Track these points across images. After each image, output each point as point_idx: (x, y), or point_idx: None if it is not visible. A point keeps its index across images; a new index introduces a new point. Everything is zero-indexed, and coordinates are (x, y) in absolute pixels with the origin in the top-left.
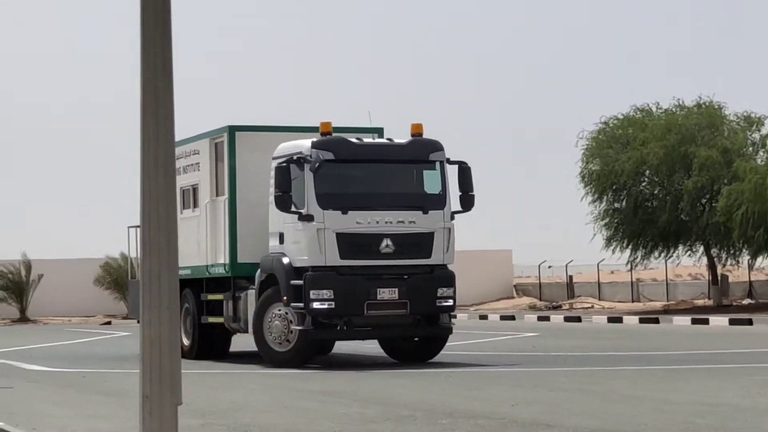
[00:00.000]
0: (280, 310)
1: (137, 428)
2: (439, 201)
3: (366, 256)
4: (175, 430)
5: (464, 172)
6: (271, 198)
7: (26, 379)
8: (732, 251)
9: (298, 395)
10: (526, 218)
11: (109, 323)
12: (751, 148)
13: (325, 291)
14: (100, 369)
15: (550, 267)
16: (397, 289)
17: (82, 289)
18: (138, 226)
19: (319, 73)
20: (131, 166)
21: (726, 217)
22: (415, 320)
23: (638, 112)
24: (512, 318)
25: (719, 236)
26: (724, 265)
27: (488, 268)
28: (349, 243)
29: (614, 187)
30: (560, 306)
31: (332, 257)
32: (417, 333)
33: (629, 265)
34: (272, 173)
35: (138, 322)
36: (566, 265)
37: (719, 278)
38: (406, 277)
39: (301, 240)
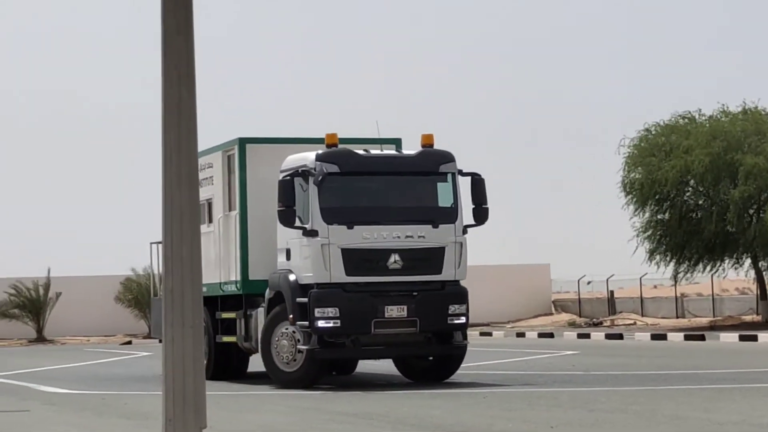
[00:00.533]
0: (287, 329)
1: None
2: (450, 214)
3: (373, 272)
4: None
5: (477, 184)
6: (276, 213)
7: (43, 402)
8: None
9: (329, 417)
10: (565, 231)
11: (129, 343)
12: None
13: (330, 309)
14: (120, 391)
15: (589, 282)
16: (406, 307)
17: (101, 307)
18: (161, 242)
19: (336, 83)
20: (154, 179)
21: None
22: (426, 338)
23: (681, 119)
24: (551, 335)
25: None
26: None
27: (525, 284)
28: (355, 259)
29: (657, 197)
30: (601, 323)
31: (337, 274)
32: (428, 352)
33: (673, 280)
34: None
35: (160, 341)
36: (607, 280)
37: None
38: (415, 294)
39: (306, 256)
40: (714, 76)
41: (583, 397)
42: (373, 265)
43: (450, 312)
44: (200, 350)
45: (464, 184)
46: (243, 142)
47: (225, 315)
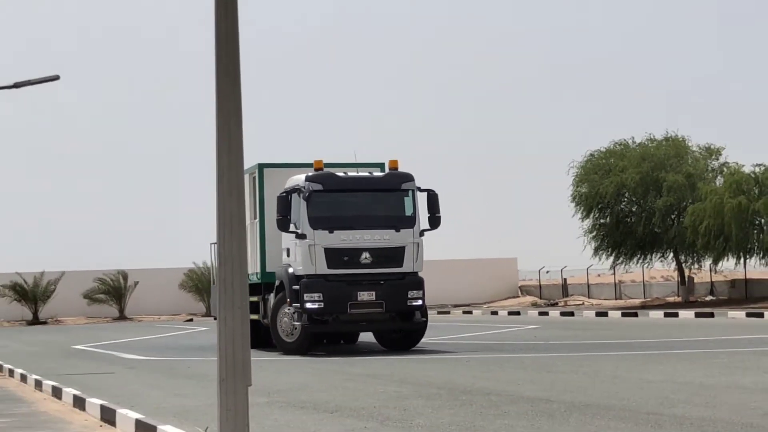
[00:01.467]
0: (287, 310)
1: (216, 405)
2: (409, 221)
3: (349, 266)
4: (246, 406)
5: (432, 198)
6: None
7: (125, 366)
8: (696, 257)
9: (346, 377)
10: (528, 232)
11: (191, 320)
12: (710, 174)
13: (315, 294)
14: (184, 357)
15: (548, 272)
16: (374, 292)
17: (169, 292)
18: (215, 243)
19: (332, 115)
20: (210, 192)
21: (691, 229)
22: (391, 317)
23: (617, 145)
24: (518, 313)
25: (685, 245)
26: (690, 269)
27: (498, 273)
28: (334, 256)
29: (599, 206)
30: (557, 303)
31: (321, 267)
32: (393, 327)
33: (613, 270)
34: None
35: (215, 318)
36: (561, 270)
37: (686, 279)
38: (382, 282)
39: (298, 254)
40: (642, 109)
41: (544, 362)
42: (349, 260)
43: (409, 296)
44: (247, 326)
45: (441, 197)
46: (261, 167)
47: (251, 299)
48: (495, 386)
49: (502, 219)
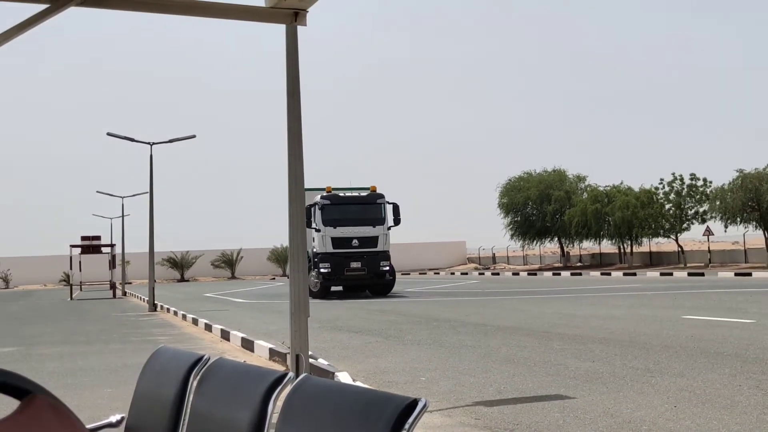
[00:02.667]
0: (313, 273)
1: (288, 329)
2: (381, 221)
3: (345, 247)
4: (306, 329)
5: (395, 207)
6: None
7: (235, 306)
8: (571, 240)
9: (366, 312)
10: (474, 224)
11: (273, 279)
12: (580, 191)
13: (326, 264)
14: (270, 300)
15: (484, 249)
16: (360, 262)
17: (262, 262)
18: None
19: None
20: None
21: (568, 224)
22: (371, 277)
23: (525, 174)
24: (466, 273)
25: (565, 233)
26: (567, 247)
27: (454, 250)
28: (337, 241)
29: (515, 210)
30: (489, 268)
31: (329, 248)
32: (373, 283)
33: (522, 248)
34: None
35: (288, 277)
36: (492, 248)
37: (565, 253)
38: (365, 257)
39: (317, 240)
40: (539, 149)
41: (481, 302)
42: (346, 244)
43: (381, 265)
44: (306, 280)
45: (410, 204)
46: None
47: None
48: (453, 316)
49: (458, 216)
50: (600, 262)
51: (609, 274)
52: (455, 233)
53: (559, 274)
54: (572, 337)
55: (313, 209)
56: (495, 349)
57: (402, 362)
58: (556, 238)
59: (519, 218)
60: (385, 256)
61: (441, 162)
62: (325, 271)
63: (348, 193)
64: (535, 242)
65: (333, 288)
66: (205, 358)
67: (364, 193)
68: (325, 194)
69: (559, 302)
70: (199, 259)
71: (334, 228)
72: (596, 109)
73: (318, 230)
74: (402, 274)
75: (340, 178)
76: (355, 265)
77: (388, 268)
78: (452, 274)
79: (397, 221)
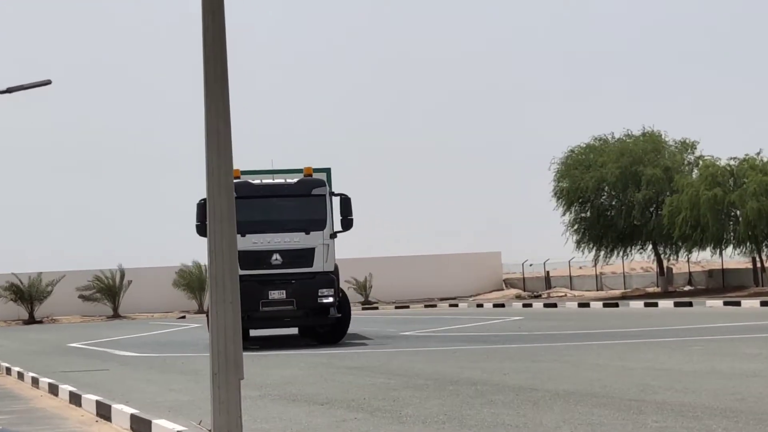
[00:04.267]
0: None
1: (209, 399)
2: (319, 224)
3: (260, 266)
4: (239, 399)
5: (345, 201)
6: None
7: (119, 363)
8: (674, 248)
9: (336, 371)
10: (513, 227)
11: (183, 317)
12: (687, 167)
13: None
14: (178, 353)
15: (531, 265)
16: (285, 291)
17: (162, 290)
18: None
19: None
20: (201, 191)
21: (669, 221)
22: (304, 313)
23: (597, 141)
24: (502, 305)
25: (664, 237)
26: (668, 260)
27: (483, 267)
28: (246, 258)
29: (580, 201)
30: (540, 295)
31: None
32: (306, 323)
33: (594, 262)
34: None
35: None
36: (544, 263)
37: (665, 270)
38: (293, 281)
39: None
40: (620, 106)
41: (528, 352)
42: (260, 262)
43: (320, 294)
44: (238, 320)
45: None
46: None
47: None
48: (481, 376)
49: (487, 214)
50: (723, 284)
51: (738, 303)
52: (484, 242)
53: (656, 305)
54: (678, 408)
55: (206, 207)
56: (551, 429)
57: None
58: (651, 246)
59: (588, 213)
60: (327, 280)
61: (460, 133)
62: None
63: (267, 180)
64: (615, 253)
65: (252, 332)
66: None
67: (292, 180)
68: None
69: (655, 351)
70: (58, 285)
71: (243, 236)
72: (707, 37)
73: None
74: (396, 308)
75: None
76: (276, 295)
77: (331, 299)
78: (479, 306)
79: (347, 223)
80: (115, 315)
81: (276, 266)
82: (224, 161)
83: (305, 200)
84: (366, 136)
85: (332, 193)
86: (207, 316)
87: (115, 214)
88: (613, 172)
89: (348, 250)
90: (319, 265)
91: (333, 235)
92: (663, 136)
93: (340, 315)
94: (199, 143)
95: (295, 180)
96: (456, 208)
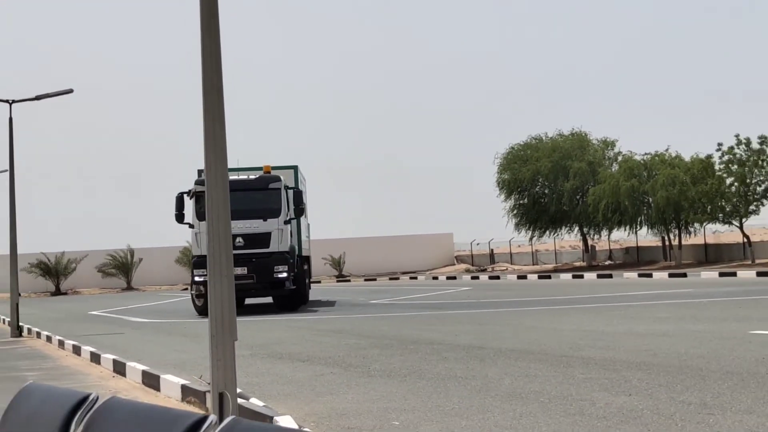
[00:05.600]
0: (195, 280)
1: (208, 358)
2: (274, 213)
3: None
4: (233, 358)
5: (297, 194)
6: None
7: (132, 328)
8: (597, 229)
9: (315, 333)
10: (463, 212)
11: (186, 289)
12: (607, 161)
13: (203, 270)
14: (181, 319)
15: (478, 244)
16: (246, 268)
17: (168, 266)
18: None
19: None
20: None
21: (593, 207)
22: (264, 286)
23: (533, 139)
24: (454, 278)
25: (588, 219)
26: (592, 239)
27: (438, 246)
28: None
29: (519, 190)
30: (485, 269)
31: (205, 249)
32: (265, 294)
33: (530, 241)
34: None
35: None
36: (489, 242)
37: (590, 247)
38: (253, 260)
39: (191, 240)
40: (553, 110)
41: (476, 317)
42: None
43: (275, 270)
44: (232, 290)
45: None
46: (200, 172)
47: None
48: (437, 337)
49: (442, 201)
50: (637, 259)
51: (650, 275)
52: (438, 224)
53: (582, 277)
54: (601, 362)
55: (185, 198)
56: (495, 380)
57: (367, 401)
58: (577, 228)
59: (526, 200)
60: (281, 258)
61: (416, 127)
62: (201, 279)
63: (233, 176)
64: (548, 233)
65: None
66: (91, 397)
67: (253, 176)
68: (199, 178)
69: (582, 315)
70: (81, 263)
71: None
72: (625, 48)
73: (191, 226)
74: (365, 280)
75: (275, 155)
76: (239, 271)
77: (285, 274)
78: (435, 278)
79: (299, 211)
80: (129, 287)
81: (239, 247)
82: (220, 159)
83: (263, 193)
84: (340, 137)
85: (287, 187)
86: (191, 290)
87: (128, 204)
88: (546, 165)
89: (326, 232)
90: (275, 246)
91: (287, 222)
92: (588, 135)
93: (295, 287)
94: (198, 145)
95: (256, 176)
96: (416, 197)
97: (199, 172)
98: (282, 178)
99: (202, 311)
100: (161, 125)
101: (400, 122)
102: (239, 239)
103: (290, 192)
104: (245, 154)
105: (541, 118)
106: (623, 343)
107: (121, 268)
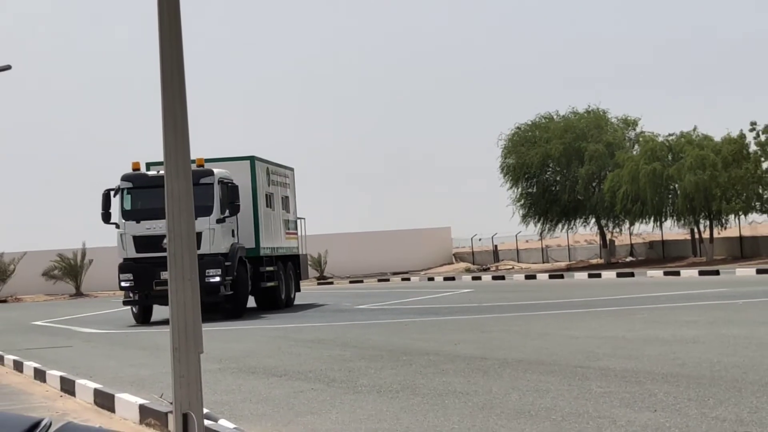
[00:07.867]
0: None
1: (170, 373)
2: (206, 210)
3: (153, 250)
4: (199, 373)
5: (232, 189)
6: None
7: (82, 339)
8: (616, 221)
9: (293, 343)
10: (462, 203)
11: None
12: (628, 143)
13: (128, 274)
14: (139, 329)
15: (480, 239)
16: None
17: None
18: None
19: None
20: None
21: (611, 195)
22: None
23: (542, 119)
24: (452, 279)
25: (606, 210)
26: (611, 232)
27: (433, 242)
28: (141, 241)
29: (526, 176)
30: (488, 268)
31: (131, 252)
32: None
33: (540, 235)
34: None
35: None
36: (492, 237)
37: (608, 242)
38: None
39: (117, 242)
40: (565, 84)
41: (478, 323)
42: (153, 245)
43: (207, 274)
44: (197, 296)
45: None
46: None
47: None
48: (433, 347)
49: (438, 191)
50: (663, 255)
51: (677, 273)
52: (434, 217)
53: (600, 276)
54: (621, 374)
55: (111, 195)
56: (501, 395)
57: (353, 421)
58: (594, 220)
59: (534, 189)
60: (214, 261)
61: (407, 113)
62: (126, 284)
63: (162, 171)
64: (560, 226)
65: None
66: (44, 423)
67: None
68: (126, 173)
69: (599, 319)
70: (21, 265)
71: (138, 223)
72: (646, 14)
73: (117, 226)
74: (350, 282)
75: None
76: (167, 275)
77: (218, 279)
78: (430, 279)
79: (234, 208)
80: (78, 293)
81: (166, 249)
82: (181, 143)
83: (195, 188)
84: (326, 124)
85: (222, 182)
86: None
87: (75, 197)
88: (557, 148)
89: (306, 228)
90: (206, 248)
91: (220, 221)
92: (606, 114)
93: (231, 292)
94: (156, 130)
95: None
96: (408, 186)
97: (133, 168)
98: (215, 172)
99: (141, 319)
100: (117, 114)
101: (389, 100)
102: (166, 240)
103: (226, 187)
104: (218, 147)
105: (552, 92)
106: (647, 351)
107: (69, 271)
